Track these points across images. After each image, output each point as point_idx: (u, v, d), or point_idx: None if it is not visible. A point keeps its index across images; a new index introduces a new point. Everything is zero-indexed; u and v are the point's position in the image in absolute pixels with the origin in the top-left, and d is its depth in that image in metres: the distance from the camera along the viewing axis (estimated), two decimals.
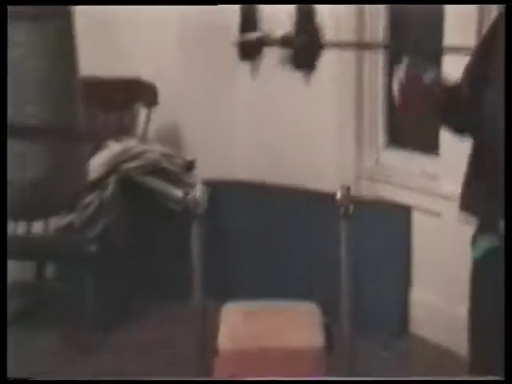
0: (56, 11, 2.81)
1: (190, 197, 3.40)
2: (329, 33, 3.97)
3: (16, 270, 4.19)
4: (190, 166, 4.00)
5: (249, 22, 4.40)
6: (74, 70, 2.86)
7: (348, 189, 2.65)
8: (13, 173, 2.53)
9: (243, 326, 2.64)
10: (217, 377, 2.43)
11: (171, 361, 3.49)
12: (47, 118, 2.78)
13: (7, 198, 2.55)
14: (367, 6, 3.72)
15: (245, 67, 4.18)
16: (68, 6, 2.88)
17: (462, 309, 2.21)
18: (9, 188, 2.44)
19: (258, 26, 4.23)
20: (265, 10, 2.71)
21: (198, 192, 3.42)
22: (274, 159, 4.12)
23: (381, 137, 3.84)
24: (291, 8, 2.14)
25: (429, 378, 2.06)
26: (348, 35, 3.73)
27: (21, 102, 2.70)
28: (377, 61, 3.80)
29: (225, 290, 3.45)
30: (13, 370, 3.56)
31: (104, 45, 4.43)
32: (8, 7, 2.69)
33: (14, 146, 2.72)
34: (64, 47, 2.84)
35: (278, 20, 2.75)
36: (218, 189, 3.85)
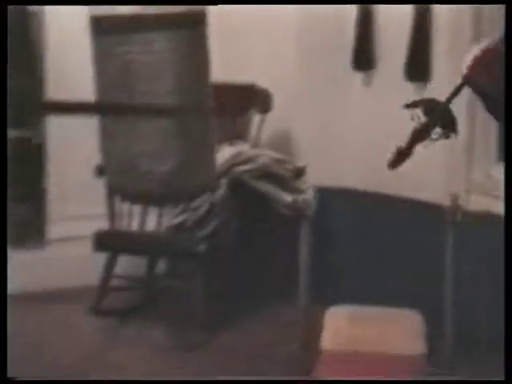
0: (193, 20, 3.10)
1: (300, 199, 3.49)
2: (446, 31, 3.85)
3: (129, 266, 4.51)
4: (300, 172, 4.07)
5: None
6: (208, 66, 3.26)
7: (456, 197, 2.66)
8: (151, 165, 2.75)
9: (346, 329, 2.76)
10: (317, 376, 2.50)
11: (274, 361, 3.57)
12: (183, 98, 3.16)
13: (143, 187, 2.79)
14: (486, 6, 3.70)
15: (359, 75, 4.25)
16: (205, 15, 3.09)
17: None
18: (146, 178, 2.68)
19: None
20: None
21: (309, 195, 3.49)
22: (383, 168, 4.16)
23: (493, 150, 3.82)
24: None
25: (429, 378, 2.06)
26: (465, 33, 3.71)
27: (159, 90, 3.00)
28: None
29: (329, 293, 3.51)
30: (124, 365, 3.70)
31: (221, 51, 4.54)
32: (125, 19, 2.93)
33: (153, 142, 2.95)
34: (200, 49, 3.17)
35: None
36: (326, 195, 3.92)
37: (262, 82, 4.44)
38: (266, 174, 4.18)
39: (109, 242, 4.36)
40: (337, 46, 4.34)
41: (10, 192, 5.10)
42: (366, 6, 4.30)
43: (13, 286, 4.33)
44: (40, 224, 4.94)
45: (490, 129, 3.82)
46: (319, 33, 4.31)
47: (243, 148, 4.35)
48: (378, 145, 4.16)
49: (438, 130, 2.25)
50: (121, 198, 3.44)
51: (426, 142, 2.21)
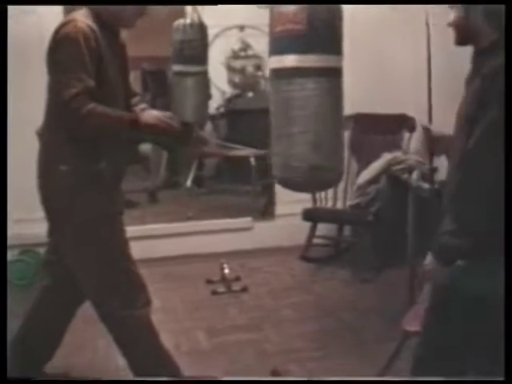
0: (335, 73, 3.33)
1: (434, 186, 4.18)
2: None
3: (326, 230, 5.56)
4: (434, 170, 4.42)
5: None
6: (341, 109, 3.45)
7: None
8: (299, 163, 3.29)
9: None
10: None
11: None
12: (320, 122, 3.31)
13: (295, 179, 3.20)
14: None
15: None
16: (341, 69, 3.31)
17: None
18: (296, 172, 3.28)
19: None
20: None
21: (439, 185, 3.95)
22: None
23: None
24: None
25: (429, 379, 2.00)
26: None
27: (305, 115, 3.29)
28: None
29: None
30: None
31: (381, 89, 5.47)
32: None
33: (300, 149, 3.30)
34: (337, 93, 3.46)
35: None
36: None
37: (410, 111, 5.24)
38: (412, 171, 4.77)
39: (312, 215, 5.31)
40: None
41: (254, 188, 6.33)
42: None
43: (256, 243, 5.63)
44: (272, 206, 5.91)
45: None
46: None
47: (398, 154, 5.08)
48: None
49: None
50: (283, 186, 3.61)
51: None
